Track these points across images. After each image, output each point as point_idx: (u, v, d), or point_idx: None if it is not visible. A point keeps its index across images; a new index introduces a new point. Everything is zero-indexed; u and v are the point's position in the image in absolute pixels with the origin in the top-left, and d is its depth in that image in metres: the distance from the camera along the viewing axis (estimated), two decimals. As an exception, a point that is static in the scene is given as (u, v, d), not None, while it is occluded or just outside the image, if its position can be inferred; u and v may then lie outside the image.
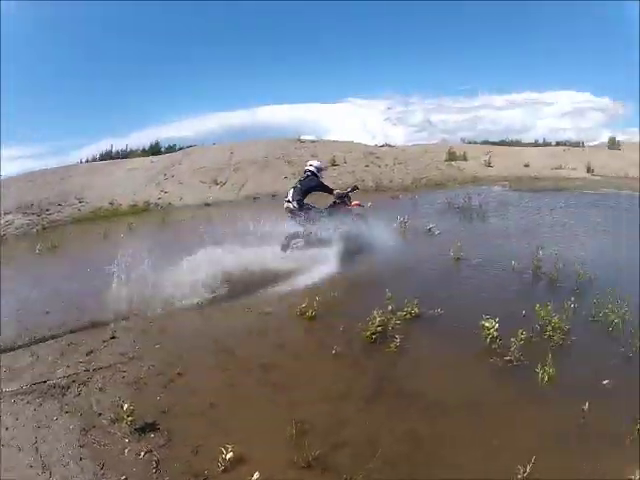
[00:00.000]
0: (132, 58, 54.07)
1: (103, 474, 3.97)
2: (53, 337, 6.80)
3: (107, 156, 34.34)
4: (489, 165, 32.20)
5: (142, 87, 61.15)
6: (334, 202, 11.27)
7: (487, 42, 66.00)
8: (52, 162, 37.91)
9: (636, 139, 49.79)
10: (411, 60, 69.50)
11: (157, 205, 23.18)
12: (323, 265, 10.25)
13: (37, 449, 4.28)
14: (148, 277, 8.35)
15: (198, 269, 8.83)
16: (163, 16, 54.17)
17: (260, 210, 12.43)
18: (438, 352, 6.65)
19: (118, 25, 53.06)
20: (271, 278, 9.36)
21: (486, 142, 45.39)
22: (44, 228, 19.54)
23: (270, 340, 6.65)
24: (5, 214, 20.22)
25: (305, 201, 10.83)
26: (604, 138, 48.09)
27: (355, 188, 11.97)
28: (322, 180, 11.30)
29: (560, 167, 32.87)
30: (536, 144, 47.88)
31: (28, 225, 19.66)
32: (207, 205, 23.06)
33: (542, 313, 7.30)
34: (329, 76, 71.60)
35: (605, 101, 59.04)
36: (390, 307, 7.46)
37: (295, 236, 10.86)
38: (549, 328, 7.03)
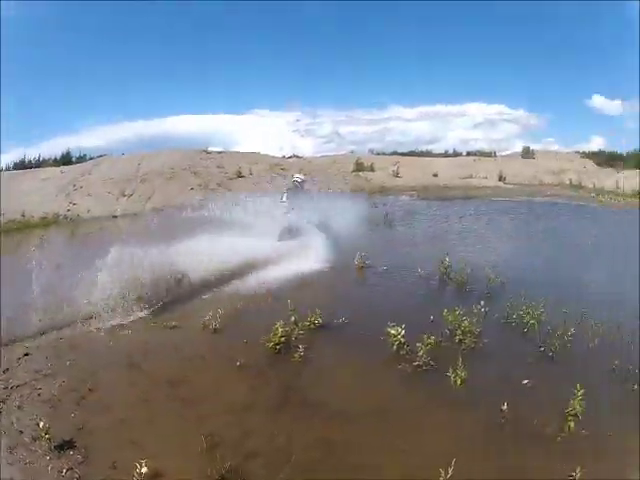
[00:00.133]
0: (42, 65, 53.78)
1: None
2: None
3: (20, 165, 37.25)
4: (397, 175, 34.28)
5: (53, 94, 61.40)
6: None
7: (399, 55, 72.65)
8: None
9: (551, 148, 56.66)
10: (321, 72, 74.06)
11: (66, 217, 24.85)
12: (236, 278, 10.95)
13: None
14: (58, 292, 8.79)
15: (105, 284, 9.25)
16: (69, 22, 54.72)
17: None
18: (344, 361, 6.96)
19: (25, 30, 51.80)
20: (175, 291, 9.86)
21: (395, 153, 49.03)
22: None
23: (176, 354, 7.13)
24: None
25: None
26: (518, 148, 53.97)
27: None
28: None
29: (470, 176, 35.84)
30: (446, 155, 52.22)
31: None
32: (115, 217, 24.99)
33: (450, 318, 7.73)
34: (237, 87, 76.37)
35: (520, 113, 67.12)
36: (293, 318, 7.74)
37: None
38: (459, 332, 7.42)
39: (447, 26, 69.53)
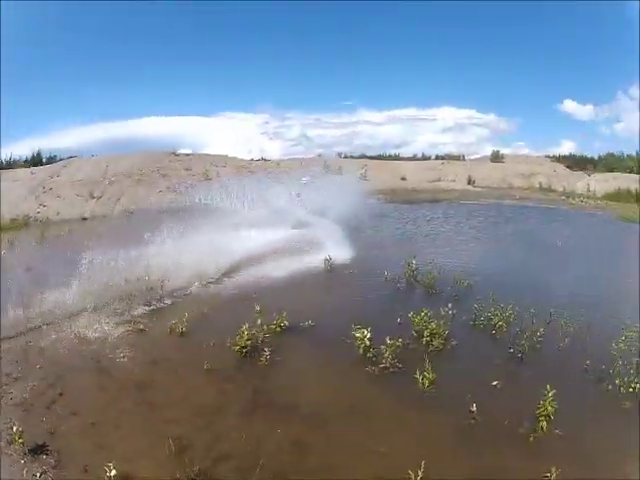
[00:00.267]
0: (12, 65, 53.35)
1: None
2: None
3: (-8, 165, 36.87)
4: (365, 178, 34.43)
5: (24, 95, 59.83)
6: None
7: (369, 59, 74.69)
8: None
9: (521, 152, 58.19)
10: (290, 75, 76.12)
11: (36, 220, 24.76)
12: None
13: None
14: (27, 296, 9.12)
15: (74, 288, 9.63)
16: (36, 24, 54.54)
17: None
18: (311, 364, 7.09)
19: None
20: (141, 294, 9.94)
21: (363, 156, 49.44)
22: None
23: (144, 358, 7.29)
24: None
25: None
26: (487, 152, 55.18)
27: None
28: None
29: (439, 180, 36.43)
30: (415, 158, 53.05)
31: None
32: (84, 219, 25.19)
33: (417, 320, 7.83)
34: (207, 89, 76.81)
35: (490, 117, 69.18)
36: (259, 321, 7.84)
37: None
38: (426, 334, 7.51)
39: (417, 30, 71.48)
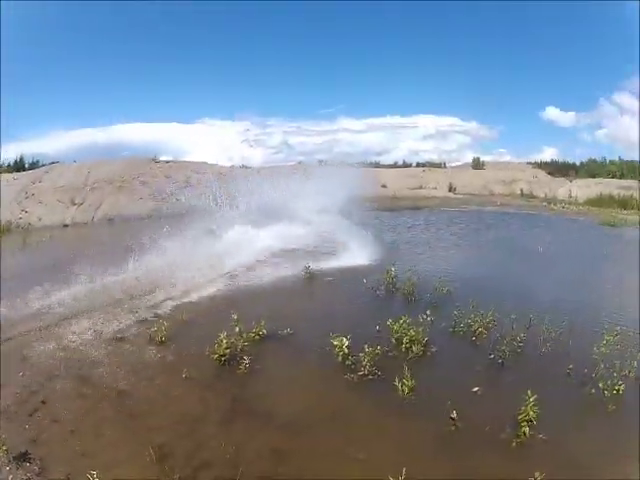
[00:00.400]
0: None
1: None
2: None
3: (-24, 171, 36.86)
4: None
5: (7, 100, 59.84)
6: None
7: (350, 67, 76.60)
8: None
9: (503, 159, 59.16)
10: (271, 83, 78.75)
11: (19, 226, 25.48)
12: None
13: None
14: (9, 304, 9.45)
15: (57, 294, 10.05)
16: (19, 27, 54.45)
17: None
18: (290, 372, 7.12)
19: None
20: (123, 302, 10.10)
21: (344, 164, 49.78)
22: None
23: (124, 366, 7.34)
24: None
25: None
26: (468, 159, 56.08)
27: None
28: None
29: (420, 187, 36.78)
30: (395, 166, 53.57)
31: None
32: (65, 226, 26.01)
33: (395, 327, 7.87)
34: (189, 96, 79.81)
35: (472, 124, 70.51)
36: (238, 329, 7.89)
37: None
38: (406, 341, 7.53)
39: (398, 39, 72.85)
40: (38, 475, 4.94)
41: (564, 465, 4.97)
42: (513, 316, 8.46)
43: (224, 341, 7.36)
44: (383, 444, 5.30)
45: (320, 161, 50.83)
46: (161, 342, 8.07)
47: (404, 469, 4.46)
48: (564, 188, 42.79)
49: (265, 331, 8.12)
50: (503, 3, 65.72)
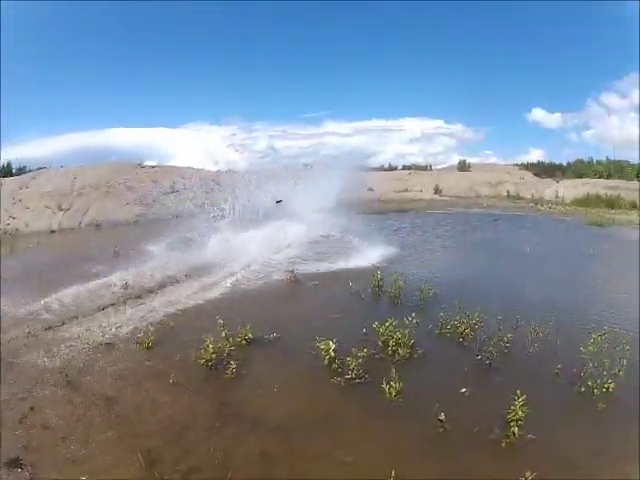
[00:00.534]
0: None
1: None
2: None
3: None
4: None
5: None
6: None
7: (336, 70, 77.28)
8: None
9: (489, 161, 59.76)
10: (258, 87, 79.43)
11: (6, 232, 25.77)
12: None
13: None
14: None
15: (42, 300, 10.22)
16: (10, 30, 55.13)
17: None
18: (277, 375, 7.10)
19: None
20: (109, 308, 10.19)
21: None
22: None
23: (111, 371, 7.41)
24: None
25: None
26: (455, 161, 56.65)
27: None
28: None
29: (406, 190, 37.01)
30: (382, 169, 53.85)
31: None
32: (52, 232, 26.18)
33: (381, 330, 7.89)
34: (175, 100, 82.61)
35: (458, 127, 71.44)
36: (224, 333, 7.96)
37: None
38: (392, 344, 7.56)
39: (384, 42, 73.47)
40: (30, 482, 4.98)
41: (554, 464, 5.01)
42: (500, 317, 8.51)
43: (210, 346, 7.38)
44: (371, 447, 5.31)
45: (306, 165, 51.41)
46: (149, 347, 8.10)
47: (392, 472, 4.48)
48: (551, 189, 43.29)
49: (251, 335, 8.15)
50: (489, 5, 66.55)
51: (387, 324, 7.94)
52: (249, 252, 14.67)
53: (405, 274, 11.39)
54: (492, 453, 5.20)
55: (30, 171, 37.66)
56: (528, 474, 4.56)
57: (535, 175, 50.32)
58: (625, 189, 39.09)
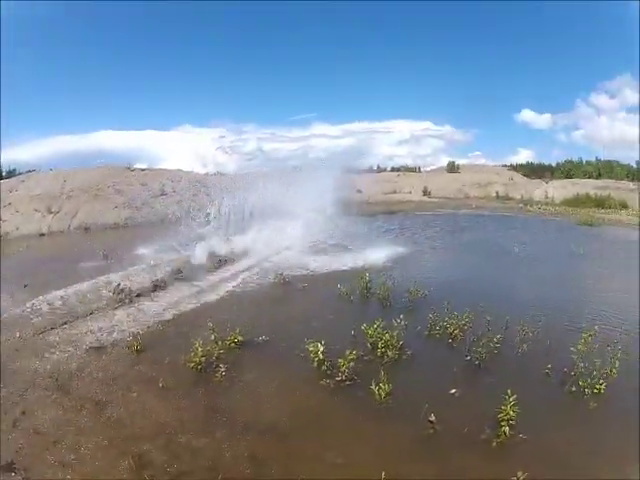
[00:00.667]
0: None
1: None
2: None
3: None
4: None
5: None
6: None
7: (325, 73, 77.54)
8: None
9: (478, 162, 60.15)
10: (247, 89, 79.18)
11: None
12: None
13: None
14: None
15: (31, 304, 10.29)
16: None
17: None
18: (266, 378, 7.10)
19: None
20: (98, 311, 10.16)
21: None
22: None
23: (102, 376, 7.38)
24: None
25: None
26: (443, 163, 56.99)
27: None
28: None
29: (394, 192, 37.14)
30: (370, 171, 54.14)
31: None
32: (42, 235, 26.23)
33: (370, 332, 7.91)
34: (164, 103, 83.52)
35: (446, 129, 71.97)
36: (213, 336, 7.96)
37: None
38: (381, 345, 7.58)
39: (371, 44, 74.01)
40: (24, 484, 5.02)
41: (546, 464, 5.03)
42: (489, 318, 8.51)
43: (199, 349, 7.39)
44: (362, 449, 5.32)
45: (294, 167, 51.71)
46: (138, 351, 8.10)
47: (383, 473, 4.50)
48: (540, 189, 43.65)
49: (240, 338, 8.15)
50: (477, 7, 67.11)
51: (375, 326, 7.95)
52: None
53: (393, 275, 11.45)
54: (483, 453, 5.22)
55: (20, 174, 37.71)
56: (520, 474, 4.59)
57: (524, 176, 50.71)
58: (615, 189, 39.56)
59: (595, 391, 6.39)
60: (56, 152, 54.65)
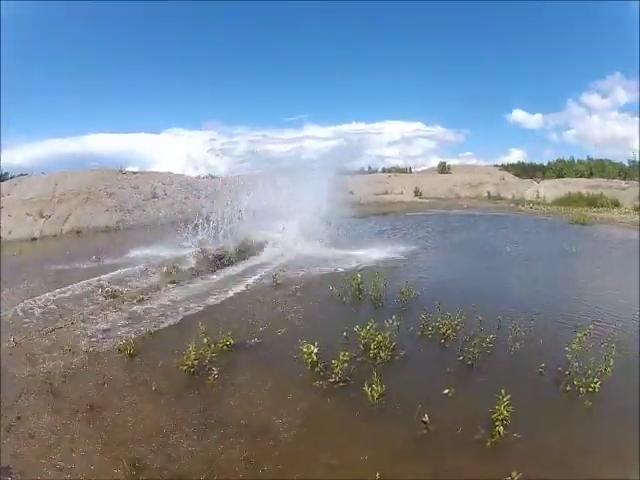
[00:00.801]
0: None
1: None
2: None
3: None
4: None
5: None
6: None
7: (315, 75, 77.51)
8: None
9: (470, 162, 60.42)
10: (238, 91, 79.18)
11: None
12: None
13: None
14: None
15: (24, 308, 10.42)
16: None
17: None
18: (259, 381, 7.12)
19: None
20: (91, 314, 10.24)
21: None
22: None
23: (94, 379, 7.42)
24: None
25: None
26: (434, 163, 57.16)
27: None
28: None
29: (386, 192, 37.30)
30: (361, 172, 54.29)
31: None
32: (34, 239, 26.51)
33: (362, 333, 7.91)
34: (155, 105, 78.86)
35: (437, 129, 72.28)
36: (205, 339, 7.95)
37: None
38: (373, 346, 7.58)
39: (362, 45, 74.27)
40: (20, 489, 5.06)
41: (541, 464, 5.03)
42: (481, 317, 8.57)
43: (192, 352, 7.42)
44: (355, 450, 5.32)
45: (286, 169, 51.96)
46: (131, 355, 8.12)
47: (377, 474, 4.55)
48: (532, 189, 43.88)
49: (232, 341, 8.18)
50: (468, 7, 67.53)
51: (368, 327, 7.95)
52: None
53: (386, 277, 11.40)
54: (477, 453, 5.23)
55: (12, 177, 37.89)
56: (514, 474, 4.60)
57: (516, 176, 50.97)
58: (607, 187, 39.82)
59: (590, 390, 6.36)
60: (48, 155, 54.61)
